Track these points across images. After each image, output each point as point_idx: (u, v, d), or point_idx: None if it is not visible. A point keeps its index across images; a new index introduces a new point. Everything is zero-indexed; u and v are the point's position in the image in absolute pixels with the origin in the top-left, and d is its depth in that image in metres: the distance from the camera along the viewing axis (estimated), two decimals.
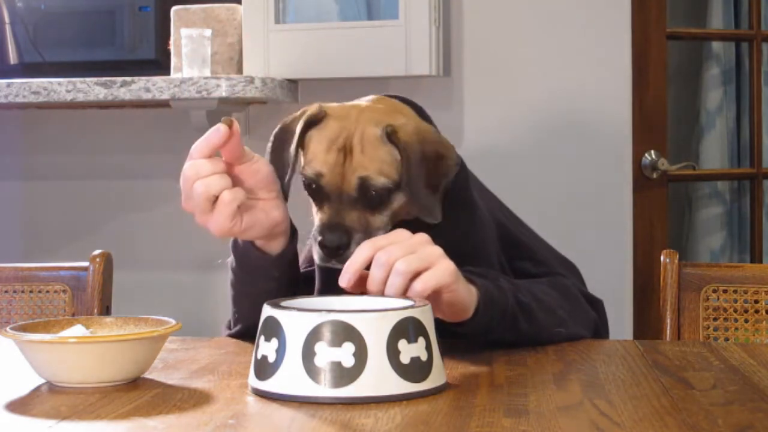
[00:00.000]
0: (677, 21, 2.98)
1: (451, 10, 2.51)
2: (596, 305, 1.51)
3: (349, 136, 1.29)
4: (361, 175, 1.28)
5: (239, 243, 1.34)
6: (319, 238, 1.28)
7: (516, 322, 1.31)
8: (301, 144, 1.33)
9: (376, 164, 1.28)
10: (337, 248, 1.27)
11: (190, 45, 2.41)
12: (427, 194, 1.30)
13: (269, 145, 1.36)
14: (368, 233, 1.28)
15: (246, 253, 1.33)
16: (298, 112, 1.36)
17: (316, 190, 1.30)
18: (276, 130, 1.37)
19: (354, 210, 1.29)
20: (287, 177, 1.32)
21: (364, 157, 1.28)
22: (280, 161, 1.33)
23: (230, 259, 1.38)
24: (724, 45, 2.99)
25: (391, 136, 1.29)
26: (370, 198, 1.29)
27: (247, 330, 1.39)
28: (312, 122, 1.32)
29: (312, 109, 1.33)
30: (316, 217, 1.32)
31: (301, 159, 1.33)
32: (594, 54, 2.47)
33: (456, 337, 1.32)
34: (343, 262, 1.21)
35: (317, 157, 1.30)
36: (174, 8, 2.58)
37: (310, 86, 2.56)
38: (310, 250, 1.53)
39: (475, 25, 2.51)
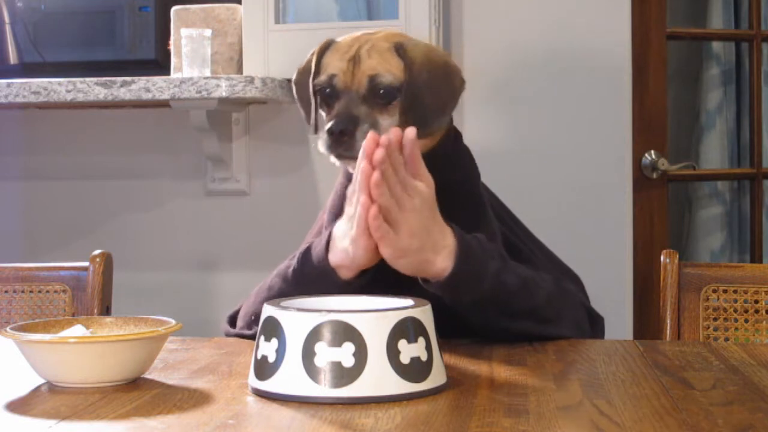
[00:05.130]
0: (677, 21, 2.98)
1: (451, 10, 2.51)
2: (597, 322, 1.51)
3: (360, 48, 1.40)
4: (371, 74, 1.38)
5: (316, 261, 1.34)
6: (327, 125, 1.36)
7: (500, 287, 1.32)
8: (318, 71, 1.43)
9: (385, 66, 1.39)
10: (341, 133, 1.35)
11: (190, 45, 2.41)
12: (433, 112, 1.39)
13: (294, 90, 1.48)
14: (375, 128, 1.36)
15: (325, 273, 1.33)
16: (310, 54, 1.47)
17: (329, 93, 1.40)
18: (294, 77, 1.49)
19: (363, 105, 1.38)
20: (312, 108, 1.43)
21: (372, 60, 1.39)
22: (304, 97, 1.45)
23: (285, 268, 1.39)
24: (724, 45, 2.99)
25: (399, 50, 1.40)
26: (378, 96, 1.38)
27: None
28: (324, 49, 1.44)
29: (322, 43, 1.46)
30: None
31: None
32: (594, 55, 2.47)
33: (456, 337, 1.32)
34: (348, 150, 1.33)
35: (330, 64, 1.42)
36: (174, 8, 2.58)
37: None
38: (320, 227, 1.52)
39: (475, 25, 2.51)
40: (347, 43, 1.42)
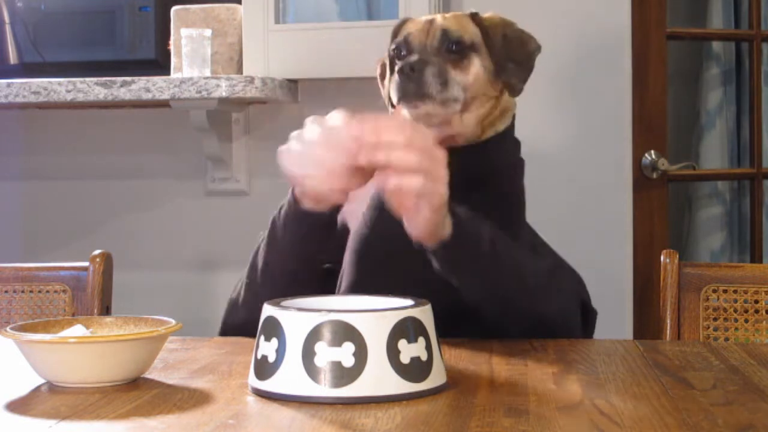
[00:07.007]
0: (677, 21, 2.98)
1: (451, 10, 2.51)
2: (590, 316, 1.50)
3: (436, 16, 1.48)
4: (444, 27, 1.44)
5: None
6: (398, 66, 1.41)
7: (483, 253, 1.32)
8: (395, 37, 1.50)
9: (457, 24, 1.45)
10: (411, 69, 1.39)
11: (190, 45, 2.41)
12: (513, 69, 1.46)
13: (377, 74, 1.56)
14: (444, 77, 1.40)
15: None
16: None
17: (404, 52, 1.45)
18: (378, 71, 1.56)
19: (436, 56, 1.42)
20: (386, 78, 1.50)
21: (446, 21, 1.46)
22: (383, 74, 1.54)
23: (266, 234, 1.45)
24: (724, 45, 2.99)
25: (474, 17, 1.48)
26: (450, 50, 1.43)
27: (246, 321, 1.36)
28: (401, 24, 1.51)
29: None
30: None
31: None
32: (594, 55, 2.47)
33: (456, 337, 1.32)
34: (419, 87, 1.37)
35: (406, 29, 1.48)
36: (174, 8, 2.58)
37: (310, 86, 2.56)
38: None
39: None
40: (420, 18, 1.49)
